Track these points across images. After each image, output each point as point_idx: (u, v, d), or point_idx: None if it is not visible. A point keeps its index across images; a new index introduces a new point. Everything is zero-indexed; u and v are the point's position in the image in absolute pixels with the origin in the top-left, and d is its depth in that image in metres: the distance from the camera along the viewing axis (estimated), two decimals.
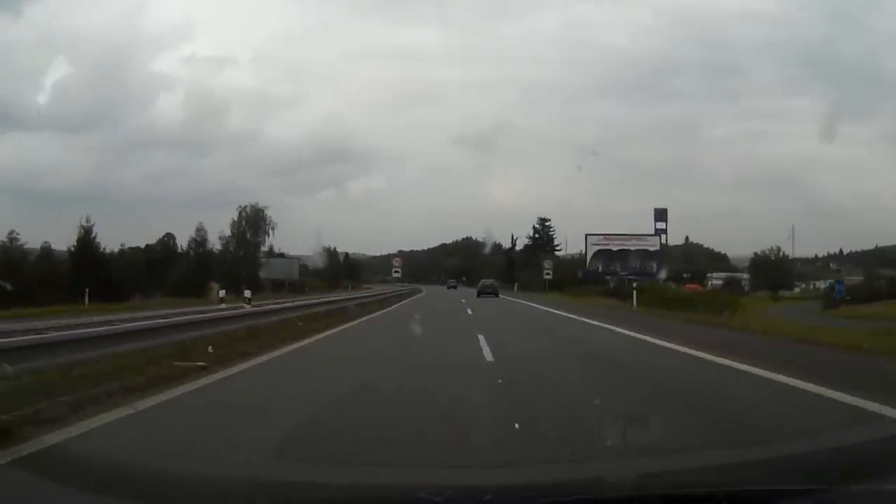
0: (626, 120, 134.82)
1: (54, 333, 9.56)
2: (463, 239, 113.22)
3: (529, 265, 72.58)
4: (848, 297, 46.97)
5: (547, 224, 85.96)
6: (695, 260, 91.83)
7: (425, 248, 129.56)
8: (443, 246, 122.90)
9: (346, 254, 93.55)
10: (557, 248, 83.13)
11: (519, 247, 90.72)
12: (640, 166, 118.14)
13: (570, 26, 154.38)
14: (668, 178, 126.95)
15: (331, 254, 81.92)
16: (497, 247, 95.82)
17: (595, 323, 18.56)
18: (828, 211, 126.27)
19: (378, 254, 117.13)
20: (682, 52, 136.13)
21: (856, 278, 67.22)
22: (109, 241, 68.98)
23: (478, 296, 43.35)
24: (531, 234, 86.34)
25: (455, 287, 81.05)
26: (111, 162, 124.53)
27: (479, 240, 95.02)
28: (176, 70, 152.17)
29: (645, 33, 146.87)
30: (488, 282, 49.25)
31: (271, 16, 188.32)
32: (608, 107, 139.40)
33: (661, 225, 41.76)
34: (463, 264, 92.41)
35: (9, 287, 27.19)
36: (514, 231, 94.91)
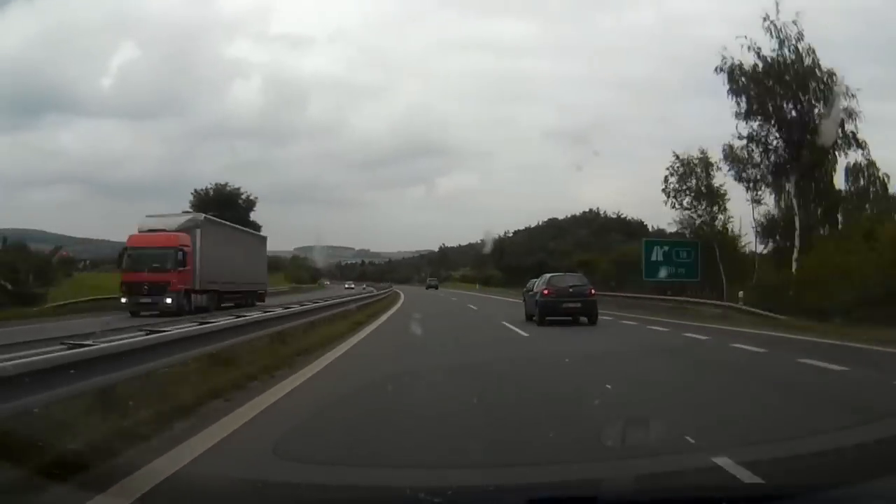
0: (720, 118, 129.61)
1: None
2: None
3: None
4: None
5: None
6: None
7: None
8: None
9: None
10: None
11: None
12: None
13: (666, 19, 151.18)
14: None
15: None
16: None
17: None
18: None
19: (469, 241, 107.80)
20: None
21: None
22: None
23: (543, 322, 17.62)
24: None
25: (435, 287, 67.60)
26: (186, 152, 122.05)
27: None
28: (256, 55, 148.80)
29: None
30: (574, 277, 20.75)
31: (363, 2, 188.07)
32: (703, 104, 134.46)
33: None
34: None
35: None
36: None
